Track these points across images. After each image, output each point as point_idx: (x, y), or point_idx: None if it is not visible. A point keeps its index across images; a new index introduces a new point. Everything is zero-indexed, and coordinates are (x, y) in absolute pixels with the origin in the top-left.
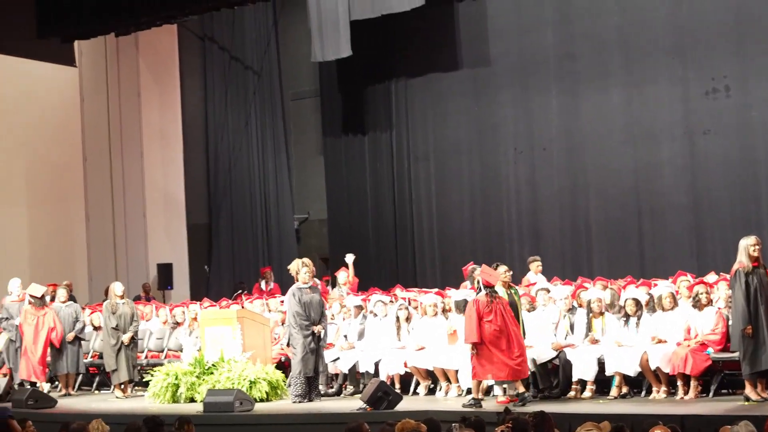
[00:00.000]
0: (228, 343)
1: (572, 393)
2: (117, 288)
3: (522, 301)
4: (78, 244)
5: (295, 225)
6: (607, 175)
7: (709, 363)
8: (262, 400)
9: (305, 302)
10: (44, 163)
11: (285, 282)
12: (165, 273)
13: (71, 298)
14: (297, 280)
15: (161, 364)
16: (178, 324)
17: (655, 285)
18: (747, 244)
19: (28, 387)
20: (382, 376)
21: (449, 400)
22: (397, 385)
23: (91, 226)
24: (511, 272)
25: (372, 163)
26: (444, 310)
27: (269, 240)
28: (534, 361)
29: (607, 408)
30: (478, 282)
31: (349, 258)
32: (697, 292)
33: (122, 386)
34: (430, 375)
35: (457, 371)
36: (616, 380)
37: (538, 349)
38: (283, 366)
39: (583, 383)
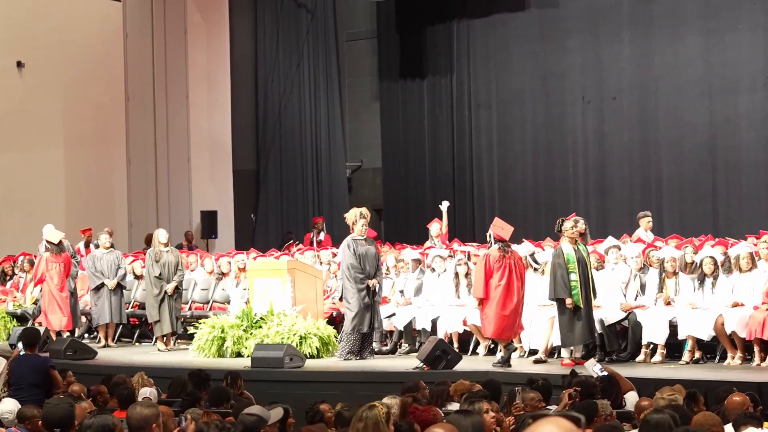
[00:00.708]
0: (278, 295)
1: (641, 357)
2: (161, 235)
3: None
4: (118, 189)
5: (347, 174)
6: (681, 129)
7: None
8: (312, 357)
9: (360, 254)
10: (84, 102)
11: (335, 233)
12: (209, 221)
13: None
14: (352, 231)
15: (206, 317)
16: (223, 275)
17: (733, 245)
18: None
19: (67, 337)
20: (440, 334)
21: (511, 361)
22: (456, 344)
23: (132, 170)
24: (578, 228)
25: (430, 110)
26: None
27: (319, 189)
28: (602, 322)
29: (678, 373)
30: (490, 236)
31: (444, 205)
32: None
33: (164, 338)
34: None
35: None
36: (689, 344)
37: (607, 310)
38: (335, 321)
39: (653, 347)
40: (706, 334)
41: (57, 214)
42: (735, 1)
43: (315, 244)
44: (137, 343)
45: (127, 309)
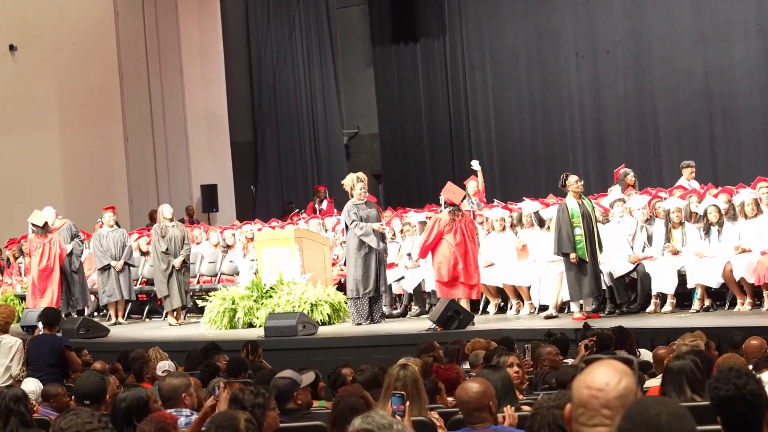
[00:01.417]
0: (286, 264)
1: (651, 308)
2: (166, 210)
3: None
4: (117, 167)
5: (345, 141)
6: (676, 78)
7: None
8: (323, 323)
9: (362, 218)
10: (78, 82)
11: (337, 201)
12: (209, 194)
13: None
14: (351, 196)
15: (215, 289)
16: (228, 247)
17: (737, 192)
18: None
19: (78, 316)
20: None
21: (522, 319)
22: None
23: (130, 147)
24: (582, 182)
25: (425, 74)
26: (512, 225)
27: (318, 157)
28: (610, 274)
29: (689, 322)
30: (441, 199)
31: (476, 164)
32: None
33: (175, 313)
34: (500, 293)
35: (528, 288)
36: (698, 293)
37: (615, 263)
38: (344, 288)
39: (662, 297)
40: (715, 281)
41: (56, 196)
42: None
43: (318, 212)
44: (147, 319)
45: (135, 286)
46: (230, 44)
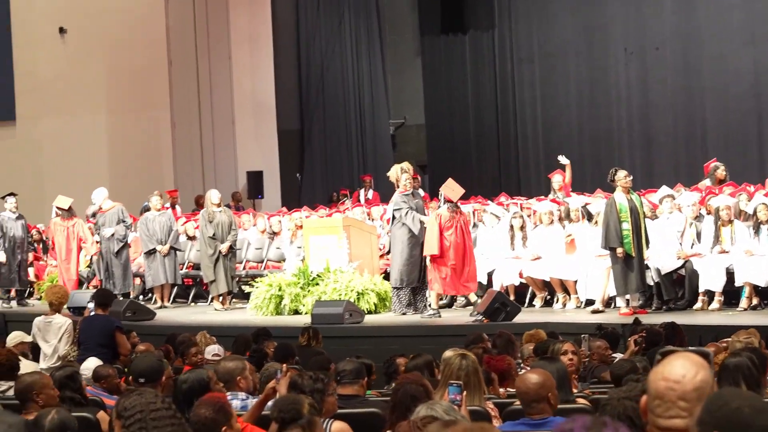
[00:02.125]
0: (334, 252)
1: (698, 305)
2: (214, 196)
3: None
4: (164, 152)
5: (391, 131)
6: (725, 77)
7: None
8: (369, 312)
9: (411, 208)
10: (126, 67)
11: (381, 191)
12: (255, 181)
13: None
14: (397, 187)
15: (261, 275)
16: (275, 234)
17: None
18: None
19: (125, 298)
20: (496, 287)
21: (568, 313)
22: (512, 297)
23: (177, 133)
24: (631, 177)
25: (473, 65)
26: (560, 218)
27: (364, 146)
28: (658, 270)
29: (737, 320)
30: (441, 195)
31: (563, 159)
32: None
33: (221, 298)
34: (547, 286)
35: (575, 282)
36: (746, 291)
37: (663, 259)
38: (389, 277)
39: (710, 294)
40: (764, 280)
41: (102, 180)
42: None
43: (363, 201)
44: (193, 304)
45: (181, 270)
46: (279, 32)
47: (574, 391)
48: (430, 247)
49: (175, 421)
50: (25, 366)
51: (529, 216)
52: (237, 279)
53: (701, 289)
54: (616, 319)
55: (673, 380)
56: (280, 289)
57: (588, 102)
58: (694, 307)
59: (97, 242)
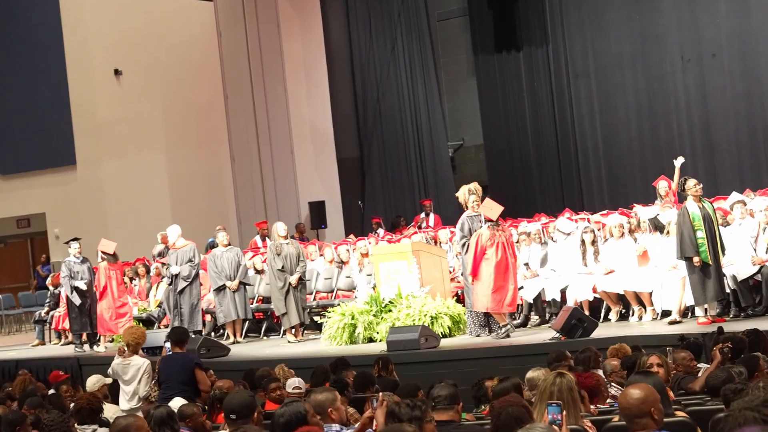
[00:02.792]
0: (405, 278)
1: None
2: (280, 228)
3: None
4: (225, 187)
5: (450, 153)
6: None
7: None
8: (444, 336)
9: (476, 230)
10: (183, 103)
11: (443, 213)
12: (317, 211)
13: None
14: (466, 209)
15: (332, 305)
16: (343, 263)
17: None
18: None
19: (199, 336)
20: (570, 303)
21: (645, 325)
22: (586, 312)
23: (237, 167)
24: (702, 185)
25: (528, 82)
26: (630, 230)
27: (423, 170)
28: (734, 277)
29: None
30: (480, 216)
31: (678, 161)
32: None
33: (293, 330)
34: (621, 299)
35: (650, 294)
36: None
37: (738, 265)
38: (461, 299)
39: None
40: None
41: (164, 218)
42: None
43: (422, 226)
44: (265, 337)
45: (252, 304)
46: (333, 60)
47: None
48: (472, 269)
49: None
50: (107, 409)
51: (598, 230)
52: (308, 310)
53: None
54: (695, 328)
55: None
56: (353, 318)
57: (647, 112)
58: None
59: (162, 277)
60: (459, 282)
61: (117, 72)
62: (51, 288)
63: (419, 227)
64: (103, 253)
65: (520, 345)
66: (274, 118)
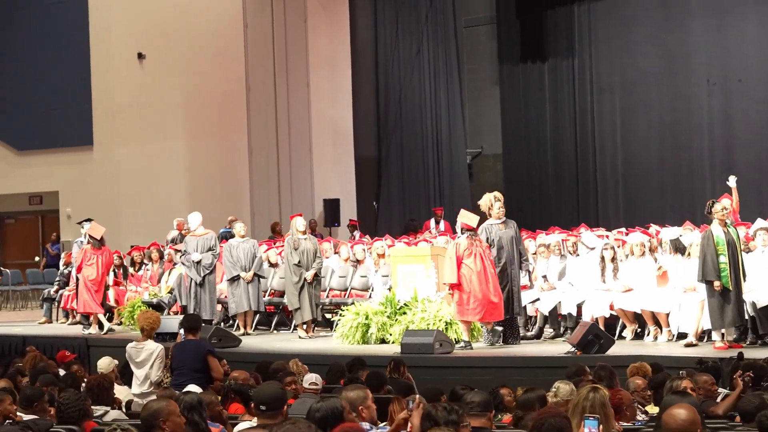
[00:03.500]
0: (422, 281)
1: None
2: (299, 223)
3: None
4: (241, 179)
5: (468, 160)
6: None
7: None
8: (457, 342)
9: (493, 240)
10: (204, 92)
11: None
12: (332, 209)
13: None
14: (489, 216)
15: (344, 304)
16: (358, 262)
17: None
18: None
19: (212, 325)
20: (586, 319)
21: (660, 345)
22: (602, 329)
23: (254, 159)
24: (728, 210)
25: (552, 95)
26: (651, 250)
27: (440, 175)
28: (754, 304)
29: None
30: (458, 225)
31: (732, 181)
32: None
33: (305, 326)
34: (638, 318)
35: (667, 314)
36: None
37: (758, 293)
38: None
39: None
40: None
41: (180, 205)
42: None
43: (435, 232)
44: (275, 331)
45: (264, 297)
46: (358, 58)
47: None
48: (448, 276)
49: None
50: (118, 391)
51: (618, 247)
52: (321, 307)
53: None
54: (711, 352)
55: None
56: (366, 318)
57: (669, 132)
58: None
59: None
60: None
61: (140, 56)
62: (62, 267)
63: (430, 232)
64: (91, 237)
65: (533, 357)
66: (294, 112)
